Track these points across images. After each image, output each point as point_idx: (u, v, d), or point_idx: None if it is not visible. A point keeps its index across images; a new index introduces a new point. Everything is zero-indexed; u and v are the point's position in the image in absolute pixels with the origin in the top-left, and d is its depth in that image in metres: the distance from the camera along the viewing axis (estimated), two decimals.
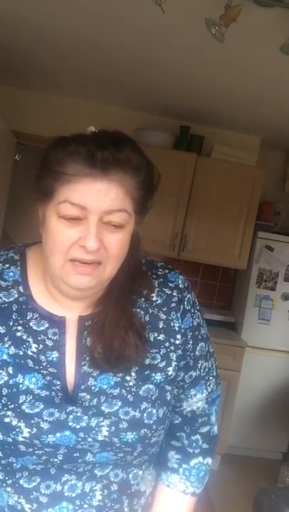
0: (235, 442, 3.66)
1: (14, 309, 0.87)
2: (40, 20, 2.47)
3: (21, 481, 0.83)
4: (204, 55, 2.52)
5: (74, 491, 0.84)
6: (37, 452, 0.81)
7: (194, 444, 1.00)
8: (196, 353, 0.97)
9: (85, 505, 0.84)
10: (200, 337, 0.97)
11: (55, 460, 0.82)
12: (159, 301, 0.92)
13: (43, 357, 0.85)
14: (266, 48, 2.23)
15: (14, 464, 0.82)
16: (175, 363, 0.91)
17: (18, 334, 0.85)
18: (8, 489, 0.84)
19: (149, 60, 2.77)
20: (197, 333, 0.97)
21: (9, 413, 0.81)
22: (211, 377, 1.01)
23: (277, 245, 3.74)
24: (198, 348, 0.97)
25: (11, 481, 0.84)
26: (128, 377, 0.87)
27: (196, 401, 1.00)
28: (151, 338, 0.90)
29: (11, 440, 0.80)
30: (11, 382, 0.83)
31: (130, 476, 0.89)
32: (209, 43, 2.03)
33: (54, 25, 2.50)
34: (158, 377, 0.89)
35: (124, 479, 0.88)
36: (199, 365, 0.98)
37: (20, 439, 0.80)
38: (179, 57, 2.63)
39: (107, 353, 0.85)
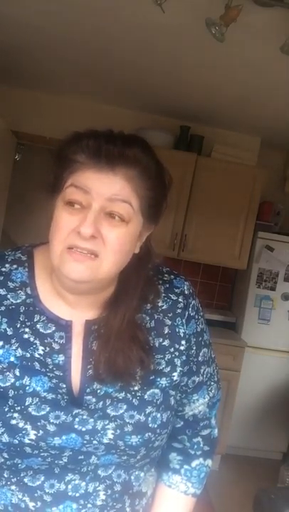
0: (235, 442, 3.66)
1: (22, 311, 0.87)
2: (40, 21, 2.47)
3: (26, 480, 0.84)
4: (204, 55, 2.52)
5: (78, 490, 0.84)
6: (42, 454, 0.81)
7: (196, 446, 1.01)
8: (199, 358, 0.97)
9: (89, 505, 0.85)
10: (203, 343, 0.98)
11: (60, 462, 0.83)
12: (164, 307, 0.92)
13: (49, 360, 0.85)
14: (266, 48, 2.23)
15: (19, 465, 0.83)
16: (180, 369, 0.92)
17: (26, 336, 0.85)
18: (13, 487, 0.84)
19: (148, 60, 2.77)
20: (200, 338, 0.97)
21: (16, 415, 0.81)
22: (212, 383, 1.02)
23: (277, 245, 3.73)
24: (201, 354, 0.97)
25: (15, 479, 0.84)
26: (133, 382, 0.87)
27: (198, 405, 1.00)
28: (156, 344, 0.90)
29: (17, 442, 0.80)
30: (17, 384, 0.83)
31: (132, 477, 0.90)
32: (209, 43, 2.03)
33: (54, 26, 2.50)
34: (163, 381, 0.89)
35: (126, 480, 0.89)
36: (202, 370, 0.98)
37: (27, 441, 0.80)
38: (179, 57, 2.63)
39: (112, 368, 0.85)
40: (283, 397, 3.78)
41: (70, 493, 0.84)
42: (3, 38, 2.79)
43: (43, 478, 0.83)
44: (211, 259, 3.77)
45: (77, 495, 0.84)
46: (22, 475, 0.84)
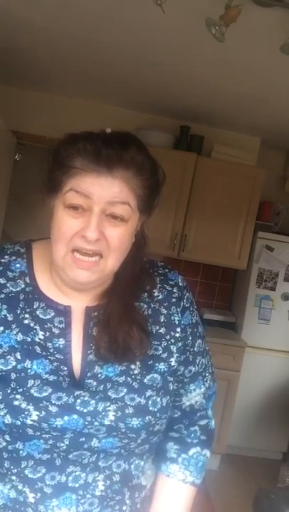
0: (235, 442, 3.66)
1: (21, 298, 0.90)
2: (40, 21, 2.47)
3: (26, 471, 0.85)
4: (204, 55, 2.52)
5: (77, 481, 0.86)
6: (44, 436, 0.83)
7: (193, 435, 1.03)
8: (195, 349, 1.01)
9: (88, 495, 0.86)
10: (198, 334, 1.02)
11: (62, 445, 0.84)
12: (160, 297, 0.97)
13: (49, 344, 0.88)
14: (266, 48, 2.23)
15: (20, 451, 0.84)
16: (176, 355, 0.95)
17: (26, 322, 0.89)
18: (13, 478, 0.85)
19: (149, 60, 2.77)
20: (195, 330, 1.01)
21: (18, 396, 0.83)
22: (207, 374, 1.05)
23: (277, 245, 3.74)
24: (196, 345, 1.01)
25: (16, 470, 0.85)
26: (133, 366, 0.90)
27: (194, 395, 1.03)
28: (153, 331, 0.94)
29: (19, 423, 0.82)
30: (19, 367, 0.85)
31: (132, 466, 0.91)
32: (209, 43, 2.03)
33: (54, 26, 2.50)
34: (161, 366, 0.93)
35: (126, 470, 0.90)
36: (197, 360, 1.02)
37: (29, 422, 0.82)
38: (179, 57, 2.63)
39: (113, 346, 0.88)
40: (283, 397, 3.78)
41: (70, 484, 0.85)
42: (4, 38, 2.79)
43: (44, 471, 0.85)
44: (211, 259, 3.77)
45: (77, 485, 0.86)
46: (23, 465, 0.85)
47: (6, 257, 0.93)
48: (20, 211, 4.23)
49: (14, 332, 0.87)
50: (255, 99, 3.06)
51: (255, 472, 3.51)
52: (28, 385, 0.84)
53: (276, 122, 3.45)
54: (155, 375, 0.91)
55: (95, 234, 0.82)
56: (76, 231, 0.84)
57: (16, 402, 0.82)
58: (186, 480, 0.99)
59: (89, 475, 0.86)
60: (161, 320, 0.95)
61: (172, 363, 0.94)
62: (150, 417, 0.88)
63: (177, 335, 0.96)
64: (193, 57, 2.58)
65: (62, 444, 0.84)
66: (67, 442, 0.84)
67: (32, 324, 0.88)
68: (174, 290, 0.98)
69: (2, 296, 0.90)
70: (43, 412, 0.82)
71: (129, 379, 0.89)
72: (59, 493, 0.85)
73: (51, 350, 0.88)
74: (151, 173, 0.88)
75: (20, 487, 0.85)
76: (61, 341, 0.89)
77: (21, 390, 0.83)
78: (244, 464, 3.64)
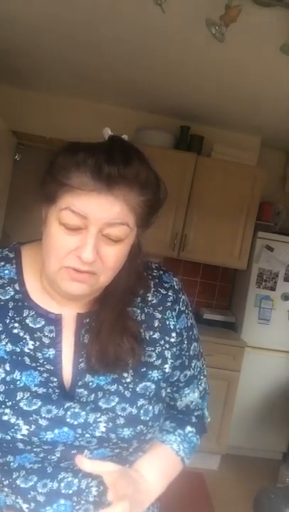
0: (235, 442, 3.66)
1: (10, 307, 0.87)
2: (40, 22, 2.47)
3: (18, 481, 0.83)
4: (204, 56, 2.52)
5: (70, 488, 0.85)
6: (35, 450, 0.81)
7: (188, 418, 1.03)
8: (190, 352, 0.99)
9: (82, 502, 0.85)
10: (193, 337, 1.00)
11: (53, 457, 0.83)
12: (154, 301, 0.94)
13: (39, 354, 0.86)
14: (266, 47, 2.23)
15: (11, 463, 0.82)
16: (171, 361, 0.93)
17: (15, 331, 0.86)
18: (6, 489, 0.84)
19: (148, 60, 2.77)
20: (191, 333, 0.99)
21: (7, 411, 0.81)
22: (202, 377, 1.04)
23: (277, 245, 3.74)
24: (192, 348, 0.99)
25: (7, 482, 0.84)
26: (125, 374, 0.88)
27: (190, 399, 1.02)
28: (147, 337, 0.91)
29: (9, 438, 0.80)
30: (8, 378, 0.83)
31: None
32: (209, 43, 2.03)
33: (53, 26, 2.50)
34: (155, 374, 0.90)
35: None
36: (193, 364, 1.00)
37: (19, 436, 0.80)
38: (179, 57, 2.63)
39: (104, 357, 0.86)
40: (283, 397, 3.78)
41: (63, 491, 0.84)
42: (4, 38, 2.79)
43: (35, 479, 0.83)
44: (211, 259, 3.77)
45: (70, 492, 0.84)
46: (14, 476, 0.83)
47: None
48: (20, 211, 4.23)
49: (3, 343, 0.85)
50: (255, 99, 3.06)
51: (255, 472, 3.51)
52: (17, 398, 0.82)
53: (276, 122, 3.45)
54: (148, 384, 0.89)
55: (91, 256, 0.78)
56: (71, 250, 0.80)
57: (5, 417, 0.80)
58: (179, 452, 0.97)
59: (82, 481, 0.85)
60: (156, 325, 0.92)
61: (166, 370, 0.92)
62: (142, 426, 0.86)
63: (172, 340, 0.93)
64: (194, 57, 2.58)
65: (54, 457, 0.83)
66: (58, 455, 0.83)
67: (21, 334, 0.86)
68: (169, 293, 0.95)
69: None
70: (33, 426, 0.80)
71: (121, 387, 0.87)
72: (52, 501, 0.83)
73: (41, 361, 0.85)
74: (153, 191, 0.83)
75: (13, 498, 0.84)
76: (51, 351, 0.86)
77: (10, 403, 0.81)
78: (244, 464, 3.64)
